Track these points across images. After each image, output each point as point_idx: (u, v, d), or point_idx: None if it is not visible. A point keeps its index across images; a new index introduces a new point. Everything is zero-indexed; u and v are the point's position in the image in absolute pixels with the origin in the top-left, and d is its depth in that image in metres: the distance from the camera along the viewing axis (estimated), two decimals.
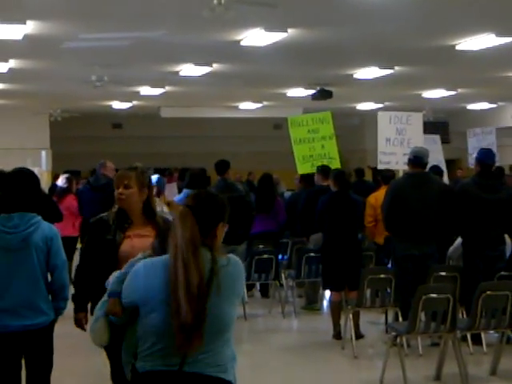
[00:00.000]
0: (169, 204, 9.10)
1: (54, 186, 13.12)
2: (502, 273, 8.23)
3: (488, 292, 6.92)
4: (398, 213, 8.41)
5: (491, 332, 7.89)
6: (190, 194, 3.67)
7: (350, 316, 8.61)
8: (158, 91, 18.01)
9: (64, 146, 23.03)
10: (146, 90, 17.96)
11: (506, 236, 8.76)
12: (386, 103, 21.13)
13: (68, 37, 11.27)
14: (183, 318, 3.31)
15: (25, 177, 5.12)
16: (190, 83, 16.41)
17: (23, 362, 5.13)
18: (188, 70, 14.63)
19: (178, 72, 14.97)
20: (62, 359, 5.57)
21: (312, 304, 11.08)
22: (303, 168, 12.08)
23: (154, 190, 10.51)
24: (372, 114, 21.53)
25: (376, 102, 21.30)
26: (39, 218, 5.04)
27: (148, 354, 3.45)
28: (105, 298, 3.91)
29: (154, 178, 10.88)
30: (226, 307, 3.48)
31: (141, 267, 3.53)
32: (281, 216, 11.57)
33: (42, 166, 20.68)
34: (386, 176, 10.70)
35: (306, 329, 10.14)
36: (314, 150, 12.08)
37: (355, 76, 15.70)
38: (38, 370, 5.13)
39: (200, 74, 15.02)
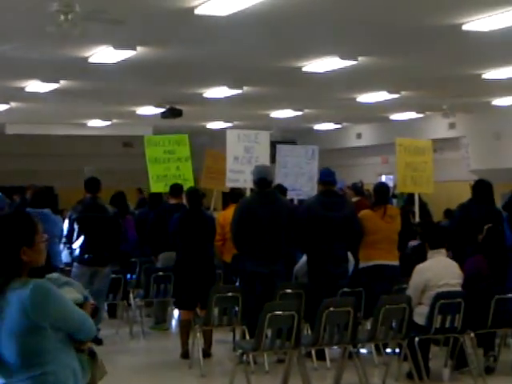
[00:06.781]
0: None
1: None
2: (345, 289, 8.48)
3: (331, 308, 7.09)
4: (247, 230, 8.49)
5: (334, 347, 8.09)
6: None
7: (198, 335, 8.62)
8: (2, 107, 17.50)
9: None
10: None
11: (349, 254, 9.03)
12: (236, 122, 21.36)
13: None
14: None
15: None
16: (37, 99, 16.03)
17: None
18: (34, 86, 14.30)
19: (23, 88, 14.60)
20: None
21: (160, 323, 11.02)
22: (156, 187, 12.17)
23: None
24: (222, 133, 21.80)
25: (225, 121, 21.50)
26: None
27: None
28: None
29: None
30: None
31: None
32: (130, 235, 11.47)
33: None
34: (234, 194, 10.81)
35: (154, 349, 10.08)
36: (168, 170, 12.16)
37: (205, 95, 15.80)
38: None
39: (47, 91, 14.71)
